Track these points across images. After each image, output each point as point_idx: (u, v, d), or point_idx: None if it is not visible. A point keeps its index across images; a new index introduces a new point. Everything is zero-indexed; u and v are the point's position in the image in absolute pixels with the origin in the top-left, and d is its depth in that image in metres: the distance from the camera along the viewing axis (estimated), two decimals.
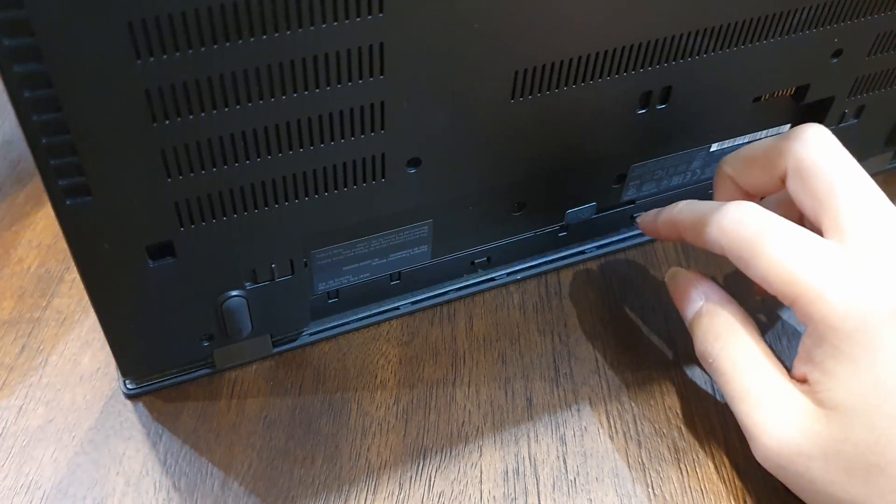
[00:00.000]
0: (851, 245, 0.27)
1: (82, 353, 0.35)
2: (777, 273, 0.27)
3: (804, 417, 0.27)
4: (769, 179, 0.31)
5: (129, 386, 0.33)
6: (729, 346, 0.29)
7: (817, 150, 0.29)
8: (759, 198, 0.33)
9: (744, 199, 0.32)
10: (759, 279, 0.28)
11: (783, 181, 0.30)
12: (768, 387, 0.28)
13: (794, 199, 0.30)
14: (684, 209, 0.32)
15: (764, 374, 0.28)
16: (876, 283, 0.26)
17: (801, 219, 0.31)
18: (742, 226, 0.28)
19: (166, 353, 0.32)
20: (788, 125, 0.40)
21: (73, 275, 0.38)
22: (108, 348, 0.31)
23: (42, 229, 0.40)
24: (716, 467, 0.31)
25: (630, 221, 0.40)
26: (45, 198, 0.25)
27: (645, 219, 0.35)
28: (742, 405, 0.28)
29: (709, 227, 0.29)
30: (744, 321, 0.30)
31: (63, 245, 0.29)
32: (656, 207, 0.35)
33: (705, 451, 0.32)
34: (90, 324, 0.36)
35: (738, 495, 0.31)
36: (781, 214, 0.31)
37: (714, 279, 0.32)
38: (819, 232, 0.28)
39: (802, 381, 0.28)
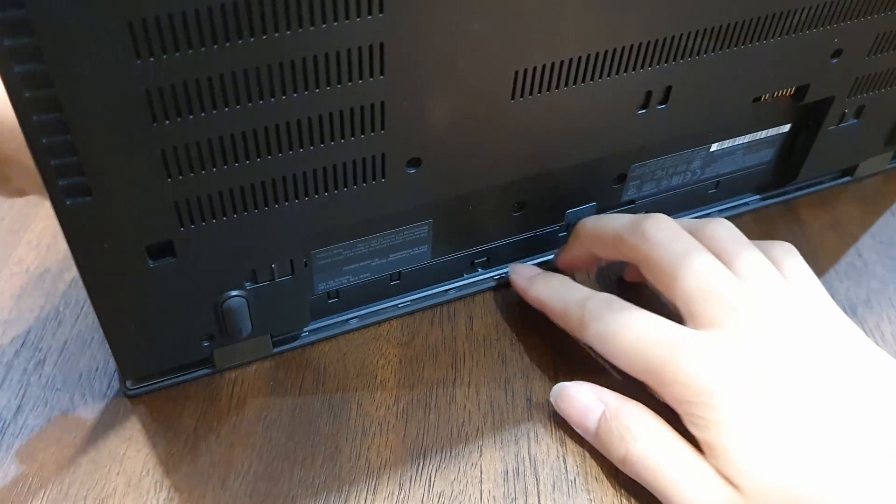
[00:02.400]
0: (698, 324, 0.30)
1: (82, 352, 0.35)
2: (632, 364, 0.30)
3: (722, 493, 0.27)
4: (617, 256, 0.34)
5: (129, 386, 0.33)
6: (646, 441, 0.29)
7: (656, 243, 0.31)
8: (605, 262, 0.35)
9: (592, 261, 0.36)
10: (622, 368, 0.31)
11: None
12: (689, 473, 0.28)
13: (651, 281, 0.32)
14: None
15: (683, 461, 0.28)
16: (720, 355, 0.28)
17: None
18: (597, 322, 0.31)
19: (166, 353, 0.32)
20: (788, 125, 0.40)
21: (73, 275, 0.38)
22: (108, 348, 0.31)
23: (42, 229, 0.40)
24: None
25: None
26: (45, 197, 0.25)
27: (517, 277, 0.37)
28: (672, 496, 0.28)
29: (583, 320, 0.32)
30: (650, 413, 0.30)
31: (63, 245, 0.29)
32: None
33: None
34: (90, 324, 0.36)
35: None
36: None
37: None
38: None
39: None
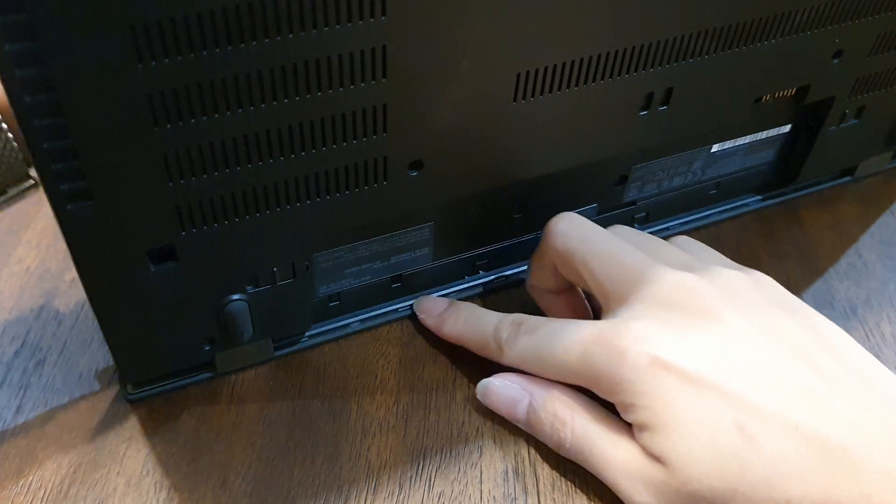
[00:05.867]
0: (610, 304, 0.30)
1: (82, 352, 0.35)
2: (558, 375, 0.30)
3: (654, 474, 0.27)
4: (553, 276, 0.33)
5: (129, 391, 0.33)
6: (577, 425, 0.30)
7: (565, 237, 0.32)
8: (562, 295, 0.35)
9: (555, 300, 0.35)
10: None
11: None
12: (622, 454, 0.28)
13: (570, 280, 0.33)
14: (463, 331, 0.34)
15: (615, 443, 0.29)
16: (633, 339, 0.28)
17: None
18: (519, 347, 0.31)
19: (168, 357, 0.32)
20: (789, 126, 0.40)
21: (73, 275, 0.38)
22: (107, 348, 0.31)
23: (42, 229, 0.40)
24: None
25: (631, 223, 0.40)
26: (45, 197, 0.25)
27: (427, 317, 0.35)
28: (607, 475, 0.29)
29: (501, 349, 0.32)
30: (577, 396, 0.30)
31: (63, 245, 0.29)
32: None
33: None
34: (90, 324, 0.36)
35: None
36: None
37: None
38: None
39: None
